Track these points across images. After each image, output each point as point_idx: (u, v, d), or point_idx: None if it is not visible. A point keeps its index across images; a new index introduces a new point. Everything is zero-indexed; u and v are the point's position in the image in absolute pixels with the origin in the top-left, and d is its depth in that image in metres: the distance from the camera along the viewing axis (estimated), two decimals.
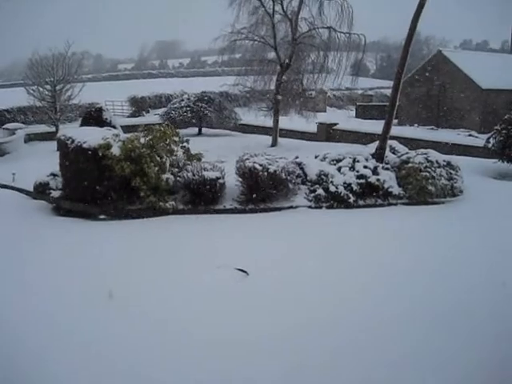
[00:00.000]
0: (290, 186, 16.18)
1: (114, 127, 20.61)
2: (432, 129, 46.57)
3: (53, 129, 34.31)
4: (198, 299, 8.98)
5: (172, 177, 16.10)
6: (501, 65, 48.81)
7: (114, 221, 15.29)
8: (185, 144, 17.72)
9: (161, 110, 44.26)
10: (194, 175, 15.74)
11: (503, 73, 45.65)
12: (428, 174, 17.19)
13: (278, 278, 9.92)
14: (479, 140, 28.14)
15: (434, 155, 17.96)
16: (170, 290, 9.44)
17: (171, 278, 10.01)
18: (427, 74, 49.73)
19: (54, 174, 18.09)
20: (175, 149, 16.93)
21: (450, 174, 17.69)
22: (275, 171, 15.83)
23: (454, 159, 18.72)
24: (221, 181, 15.88)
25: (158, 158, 15.98)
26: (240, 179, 16.23)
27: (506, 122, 23.25)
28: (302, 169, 17.10)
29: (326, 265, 10.70)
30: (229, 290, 9.40)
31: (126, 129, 24.21)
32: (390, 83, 20.22)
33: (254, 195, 15.85)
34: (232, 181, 16.33)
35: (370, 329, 7.94)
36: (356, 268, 10.60)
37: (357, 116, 56.87)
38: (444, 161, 17.91)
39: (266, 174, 15.71)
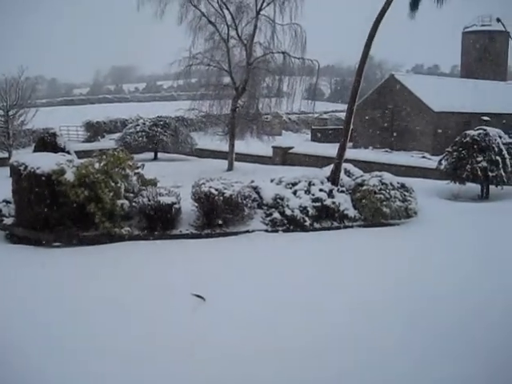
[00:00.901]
0: (246, 210, 16.16)
1: (68, 152, 20.32)
2: (386, 151, 47.29)
3: (5, 155, 33.73)
4: (155, 328, 8.85)
5: (127, 202, 15.93)
6: (451, 88, 50.04)
7: (68, 248, 15.01)
8: (139, 169, 17.59)
9: (116, 135, 44.10)
10: (149, 200, 15.61)
11: (454, 96, 46.84)
12: (382, 196, 17.38)
13: (233, 302, 9.85)
14: (432, 162, 28.63)
15: (388, 177, 18.17)
16: (125, 319, 9.28)
17: (126, 308, 9.82)
18: (381, 98, 50.63)
19: (6, 201, 17.72)
20: (130, 174, 16.80)
21: (404, 195, 17.91)
22: (231, 195, 15.80)
23: (408, 181, 18.97)
24: (176, 206, 15.77)
25: (113, 184, 15.81)
26: (196, 204, 16.14)
27: (456, 144, 23.75)
28: (257, 193, 17.10)
29: (280, 288, 10.66)
30: (185, 317, 9.29)
31: (81, 154, 23.94)
32: (345, 107, 20.50)
33: (210, 220, 15.78)
34: (188, 206, 16.22)
35: (324, 350, 7.94)
36: (311, 289, 10.61)
37: (312, 139, 57.51)
38: (398, 183, 18.14)
39: (221, 198, 15.66)
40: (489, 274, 11.65)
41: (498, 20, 66.09)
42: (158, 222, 15.52)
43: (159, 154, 39.03)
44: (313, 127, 62.47)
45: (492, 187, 23.28)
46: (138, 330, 8.79)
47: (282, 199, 16.85)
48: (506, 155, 22.78)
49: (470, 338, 8.32)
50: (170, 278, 11.44)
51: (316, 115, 68.48)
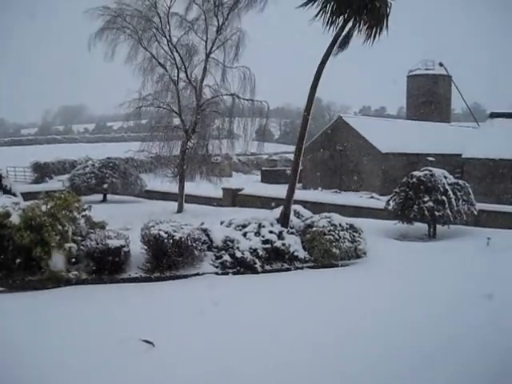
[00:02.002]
0: (196, 252, 16.04)
1: (14, 195, 20.08)
2: (335, 192, 47.90)
3: None
4: (100, 373, 8.65)
5: (75, 245, 15.65)
6: (398, 129, 51.25)
7: (12, 293, 14.61)
8: (86, 212, 17.32)
9: (65, 176, 43.42)
10: (97, 243, 15.36)
11: (400, 137, 47.90)
12: (332, 237, 17.53)
13: (181, 347, 9.73)
14: (380, 202, 29.02)
15: (337, 218, 18.37)
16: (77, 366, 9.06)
17: (76, 355, 9.59)
18: (329, 139, 51.45)
19: None
20: (78, 216, 16.55)
21: (354, 236, 18.11)
22: (181, 238, 15.68)
23: (357, 221, 19.21)
24: (125, 249, 15.55)
25: (60, 227, 15.53)
26: (145, 247, 15.95)
27: (403, 184, 24.21)
28: (207, 235, 17.02)
29: (227, 332, 10.58)
30: (132, 363, 9.11)
31: (28, 196, 23.56)
32: (294, 148, 20.71)
33: (160, 263, 15.61)
34: (137, 249, 16.01)
35: None
36: (260, 332, 10.56)
37: (262, 180, 57.88)
38: (347, 224, 18.34)
39: (171, 241, 15.53)
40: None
41: (441, 64, 68.55)
42: (107, 265, 15.26)
43: (108, 196, 38.58)
44: (263, 168, 62.94)
45: (439, 226, 23.73)
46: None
47: (232, 241, 16.81)
48: (452, 195, 23.30)
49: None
50: (119, 322, 11.25)
51: (266, 156, 69.12)
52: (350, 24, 18.71)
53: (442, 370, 8.80)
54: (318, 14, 18.62)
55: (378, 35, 18.69)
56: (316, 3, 18.60)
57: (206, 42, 31.43)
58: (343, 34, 18.83)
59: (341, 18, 18.62)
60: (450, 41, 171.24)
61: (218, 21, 31.21)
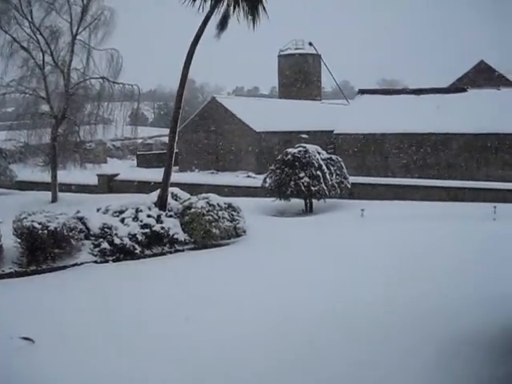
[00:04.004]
0: (73, 242, 15.57)
1: None
2: (212, 173, 48.05)
3: None
4: None
5: None
6: (271, 109, 52.00)
7: None
8: None
9: None
10: None
11: (274, 116, 48.65)
12: (211, 217, 17.55)
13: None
14: (257, 180, 29.39)
15: (215, 199, 18.40)
16: None
17: None
18: (204, 120, 51.45)
19: None
20: None
21: (232, 215, 18.25)
22: (56, 228, 15.14)
23: (235, 201, 19.37)
24: None
25: None
26: (19, 240, 15.27)
27: (279, 162, 24.64)
28: (84, 223, 16.51)
29: (97, 323, 10.33)
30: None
31: None
32: (169, 131, 20.52)
33: (36, 256, 15.00)
34: (10, 242, 15.30)
35: None
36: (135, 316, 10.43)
37: (138, 165, 57.07)
38: (225, 203, 18.43)
39: (46, 232, 14.97)
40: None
41: (311, 44, 70.01)
42: None
43: None
44: (138, 153, 62.02)
45: (315, 201, 24.38)
46: None
47: (109, 228, 16.43)
48: (326, 170, 23.99)
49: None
50: None
51: (141, 141, 68.11)
52: (224, 5, 18.66)
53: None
54: None
55: (255, 19, 18.78)
56: None
57: (71, 23, 30.28)
58: (221, 15, 18.75)
59: None
60: (321, 19, 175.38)
61: (82, 2, 30.18)
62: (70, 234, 15.54)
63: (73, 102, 30.99)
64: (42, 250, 15.02)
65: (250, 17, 18.74)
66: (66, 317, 10.74)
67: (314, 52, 70.31)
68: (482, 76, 49.83)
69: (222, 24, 19.00)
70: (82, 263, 15.38)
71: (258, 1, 18.71)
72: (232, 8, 18.70)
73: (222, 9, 18.74)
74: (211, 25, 18.75)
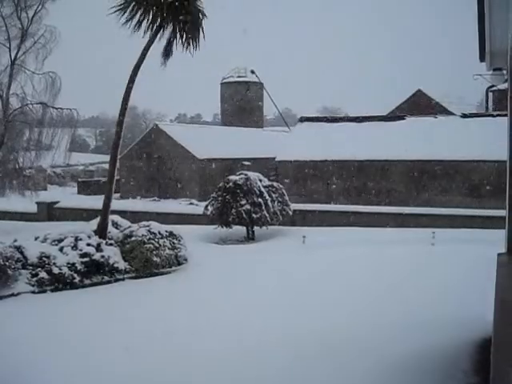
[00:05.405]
0: (10, 272, 15.21)
1: None
2: (154, 200, 47.78)
3: None
4: None
5: None
6: (214, 136, 52.33)
7: None
8: None
9: None
10: None
11: (216, 143, 48.96)
12: (152, 245, 17.43)
13: None
14: (199, 208, 29.33)
15: (156, 227, 18.29)
16: None
17: None
18: (146, 147, 51.30)
19: None
20: None
21: (173, 243, 18.16)
22: None
23: (177, 228, 19.28)
24: None
25: None
26: None
27: (220, 189, 24.73)
28: (21, 252, 16.15)
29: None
30: None
31: None
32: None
33: None
34: None
35: None
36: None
37: (79, 192, 56.44)
38: (166, 231, 18.34)
39: None
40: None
41: (253, 72, 70.80)
42: None
43: None
44: (79, 180, 61.26)
45: (257, 228, 24.48)
46: None
47: (48, 257, 16.10)
48: (267, 197, 24.17)
49: None
50: None
51: (82, 167, 67.28)
52: (167, 33, 18.80)
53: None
54: (126, 21, 18.44)
55: (195, 46, 18.95)
56: (126, 13, 18.39)
57: (10, 48, 29.83)
58: (166, 42, 18.87)
59: (154, 25, 18.61)
60: (264, 47, 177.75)
61: (21, 24, 29.81)
62: (7, 263, 15.16)
63: (11, 128, 30.40)
64: None
65: (189, 44, 18.90)
66: None
67: (257, 80, 71.10)
68: (420, 104, 51.28)
69: (167, 51, 19.11)
70: (18, 293, 15.00)
71: (197, 30, 18.88)
72: (173, 35, 18.85)
73: (164, 36, 18.89)
74: (156, 50, 18.87)
